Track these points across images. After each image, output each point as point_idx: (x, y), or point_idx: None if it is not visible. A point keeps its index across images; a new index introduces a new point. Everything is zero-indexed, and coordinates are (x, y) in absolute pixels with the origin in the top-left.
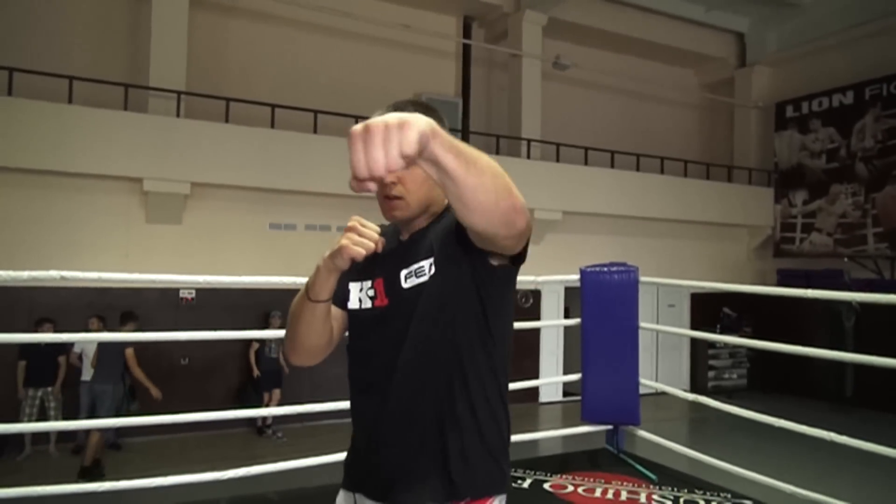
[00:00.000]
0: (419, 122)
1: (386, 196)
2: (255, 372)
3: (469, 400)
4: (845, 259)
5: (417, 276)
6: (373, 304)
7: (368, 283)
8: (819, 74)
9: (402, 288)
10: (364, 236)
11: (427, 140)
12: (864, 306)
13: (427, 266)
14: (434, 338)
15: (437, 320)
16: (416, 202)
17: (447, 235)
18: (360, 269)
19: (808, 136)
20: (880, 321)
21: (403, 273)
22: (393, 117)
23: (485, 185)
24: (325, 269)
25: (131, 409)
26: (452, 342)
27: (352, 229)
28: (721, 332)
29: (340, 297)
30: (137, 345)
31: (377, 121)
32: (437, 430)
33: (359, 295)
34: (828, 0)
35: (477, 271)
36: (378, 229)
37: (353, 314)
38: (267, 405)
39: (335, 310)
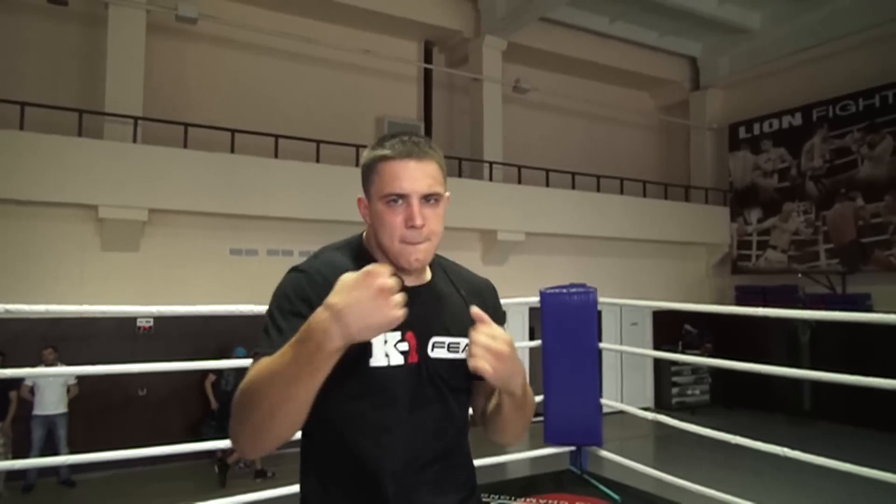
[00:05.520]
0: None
1: (408, 242)
2: (214, 404)
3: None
4: (799, 275)
5: (450, 351)
6: (405, 359)
7: (398, 334)
8: (769, 97)
9: (428, 353)
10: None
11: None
12: (818, 321)
13: (464, 344)
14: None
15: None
16: (435, 246)
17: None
18: None
19: (760, 156)
20: (834, 335)
21: (433, 340)
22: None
23: (521, 426)
24: (339, 339)
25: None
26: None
27: (386, 291)
28: (683, 349)
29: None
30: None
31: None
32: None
33: (384, 349)
34: (776, 26)
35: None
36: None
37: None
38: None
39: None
